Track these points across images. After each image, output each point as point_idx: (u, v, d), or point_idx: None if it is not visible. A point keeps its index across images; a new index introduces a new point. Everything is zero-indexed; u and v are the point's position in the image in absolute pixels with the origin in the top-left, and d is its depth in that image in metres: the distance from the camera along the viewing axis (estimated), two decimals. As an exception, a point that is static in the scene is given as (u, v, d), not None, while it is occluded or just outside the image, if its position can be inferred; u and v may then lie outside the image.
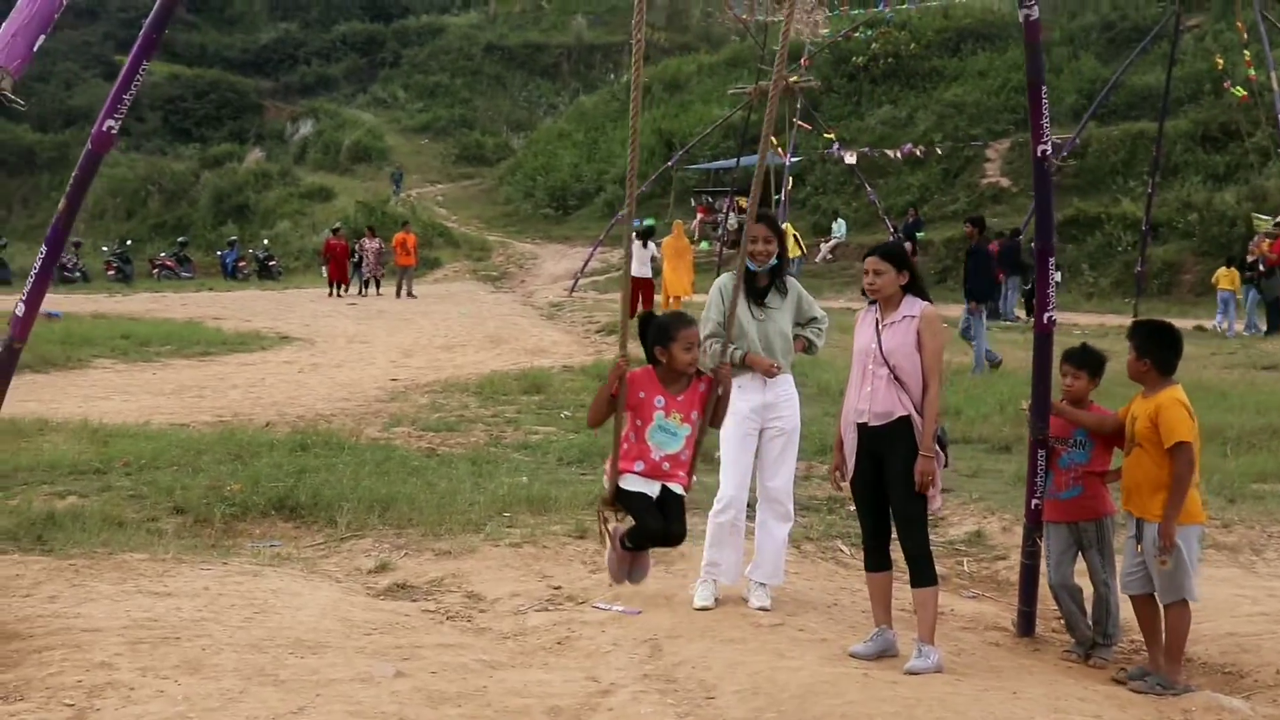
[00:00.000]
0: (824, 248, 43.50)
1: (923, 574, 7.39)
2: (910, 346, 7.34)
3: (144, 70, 6.25)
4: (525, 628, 8.03)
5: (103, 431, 13.16)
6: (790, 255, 38.65)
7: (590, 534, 9.95)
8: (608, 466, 6.97)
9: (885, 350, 7.38)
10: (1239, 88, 31.90)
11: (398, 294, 38.09)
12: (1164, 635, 7.43)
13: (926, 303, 7.48)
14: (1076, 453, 7.81)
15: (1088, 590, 7.96)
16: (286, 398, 17.11)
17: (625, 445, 6.91)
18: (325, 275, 39.99)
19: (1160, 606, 7.38)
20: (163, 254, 51.53)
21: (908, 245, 37.14)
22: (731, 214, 45.82)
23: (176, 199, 66.62)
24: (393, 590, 8.78)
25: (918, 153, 36.39)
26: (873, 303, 7.64)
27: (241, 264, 50.00)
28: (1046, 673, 7.51)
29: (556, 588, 8.74)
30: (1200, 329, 29.05)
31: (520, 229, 57.21)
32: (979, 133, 46.79)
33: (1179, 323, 27.68)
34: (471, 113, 79.44)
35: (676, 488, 6.89)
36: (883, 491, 7.44)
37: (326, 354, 23.00)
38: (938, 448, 7.36)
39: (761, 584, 8.35)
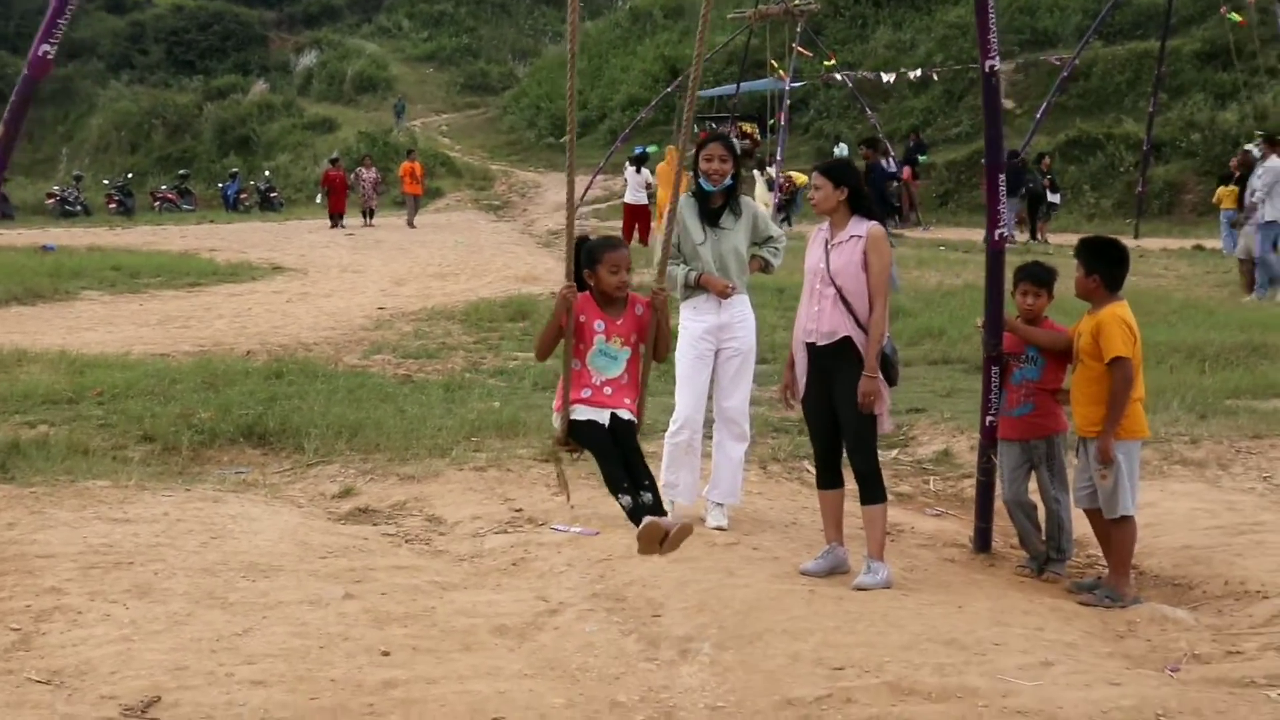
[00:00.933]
0: (825, 172, 43.18)
1: (872, 491, 7.43)
2: (856, 266, 7.31)
3: (74, -5, 6.19)
4: (483, 550, 8.09)
5: (79, 361, 13.19)
6: (799, 185, 38.68)
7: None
8: (556, 403, 6.85)
9: (832, 270, 7.37)
10: (1234, 14, 31.66)
11: (410, 223, 37.90)
12: (1110, 549, 7.48)
13: (874, 223, 7.43)
14: (1028, 369, 7.81)
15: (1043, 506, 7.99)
16: (271, 327, 17.12)
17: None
18: (325, 206, 39.72)
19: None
20: (164, 187, 51.48)
21: (906, 170, 36.99)
22: (734, 139, 45.60)
23: (180, 132, 66.32)
24: (354, 514, 8.85)
25: (911, 77, 36.06)
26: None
27: (243, 196, 49.98)
28: (997, 588, 7.55)
29: (518, 510, 8.78)
30: (1199, 248, 28.93)
31: (523, 158, 57.06)
32: (982, 54, 46.28)
33: (1179, 243, 27.59)
34: (476, 41, 78.99)
35: (624, 414, 6.73)
36: (833, 410, 7.45)
37: (318, 284, 22.94)
38: (884, 367, 7.34)
39: (718, 504, 8.39)
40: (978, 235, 32.57)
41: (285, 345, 15.31)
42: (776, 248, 8.49)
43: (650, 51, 58.35)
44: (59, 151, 69.66)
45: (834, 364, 7.37)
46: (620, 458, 6.62)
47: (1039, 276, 7.87)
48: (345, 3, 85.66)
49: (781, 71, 34.93)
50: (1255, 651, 6.47)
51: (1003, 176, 7.63)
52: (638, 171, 28.26)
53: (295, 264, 26.10)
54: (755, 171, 34.83)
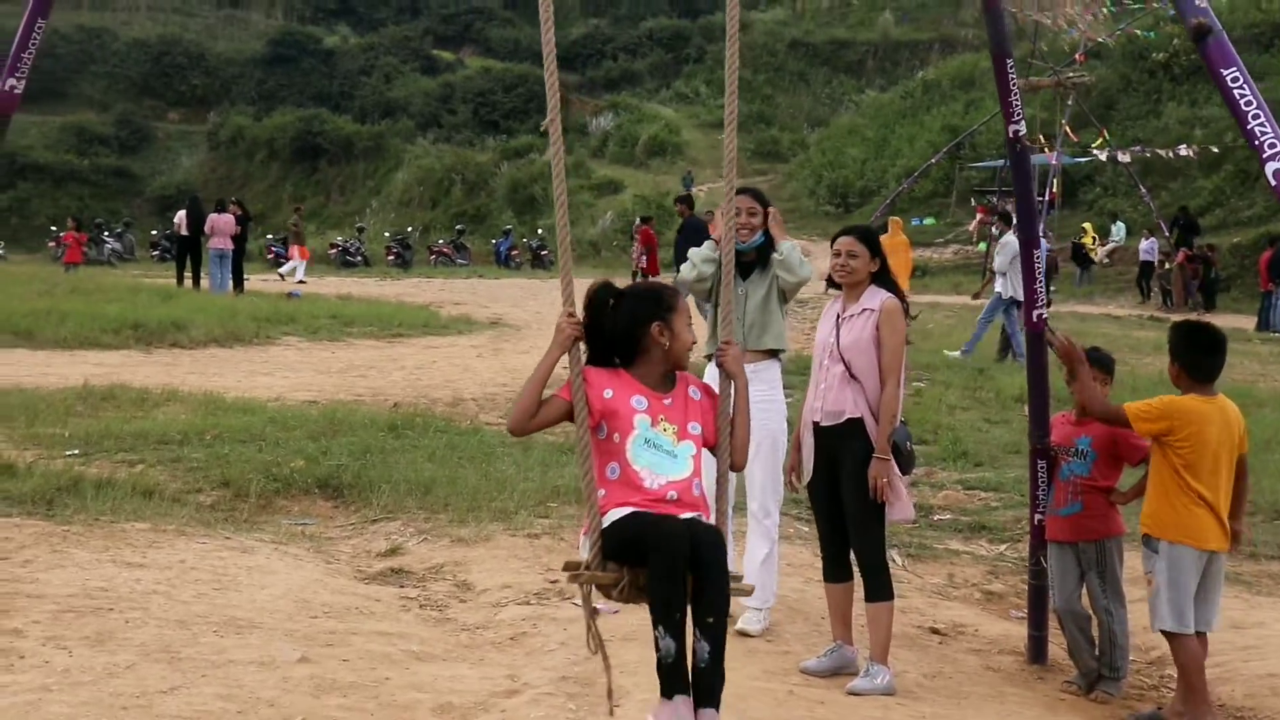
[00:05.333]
0: (1101, 251, 41.69)
1: (877, 588, 6.79)
2: (867, 342, 6.71)
3: (39, 29, 6.14)
4: (491, 621, 7.72)
5: (218, 404, 13.30)
6: (1088, 252, 37.24)
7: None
8: (585, 524, 4.81)
9: (841, 345, 6.78)
10: None
11: None
12: (1178, 669, 6.64)
13: (888, 294, 6.81)
14: (1077, 464, 7.05)
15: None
16: (443, 380, 16.99)
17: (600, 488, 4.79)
18: (639, 266, 37.68)
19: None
20: (440, 241, 52.89)
21: (1181, 252, 35.31)
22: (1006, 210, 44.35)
23: (477, 189, 68.33)
24: (383, 575, 8.57)
25: (1189, 153, 33.98)
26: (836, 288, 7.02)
27: (514, 252, 50.88)
28: (1023, 704, 6.81)
29: (553, 581, 8.33)
30: None
31: (800, 225, 56.40)
32: (1285, 132, 43.77)
33: None
34: (771, 109, 78.99)
35: (705, 520, 4.81)
36: (840, 497, 6.84)
37: (524, 340, 22.65)
38: (894, 454, 6.68)
39: (756, 608, 7.67)
40: (1250, 323, 30.80)
41: (436, 399, 15.15)
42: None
43: (936, 122, 57.24)
44: (368, 204, 72.49)
45: (840, 446, 6.77)
46: (685, 571, 4.53)
47: (1103, 363, 7.11)
48: (646, 69, 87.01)
49: (1046, 149, 33.53)
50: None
51: (1039, 253, 6.91)
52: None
53: (520, 320, 26.03)
54: (1010, 236, 33.68)
